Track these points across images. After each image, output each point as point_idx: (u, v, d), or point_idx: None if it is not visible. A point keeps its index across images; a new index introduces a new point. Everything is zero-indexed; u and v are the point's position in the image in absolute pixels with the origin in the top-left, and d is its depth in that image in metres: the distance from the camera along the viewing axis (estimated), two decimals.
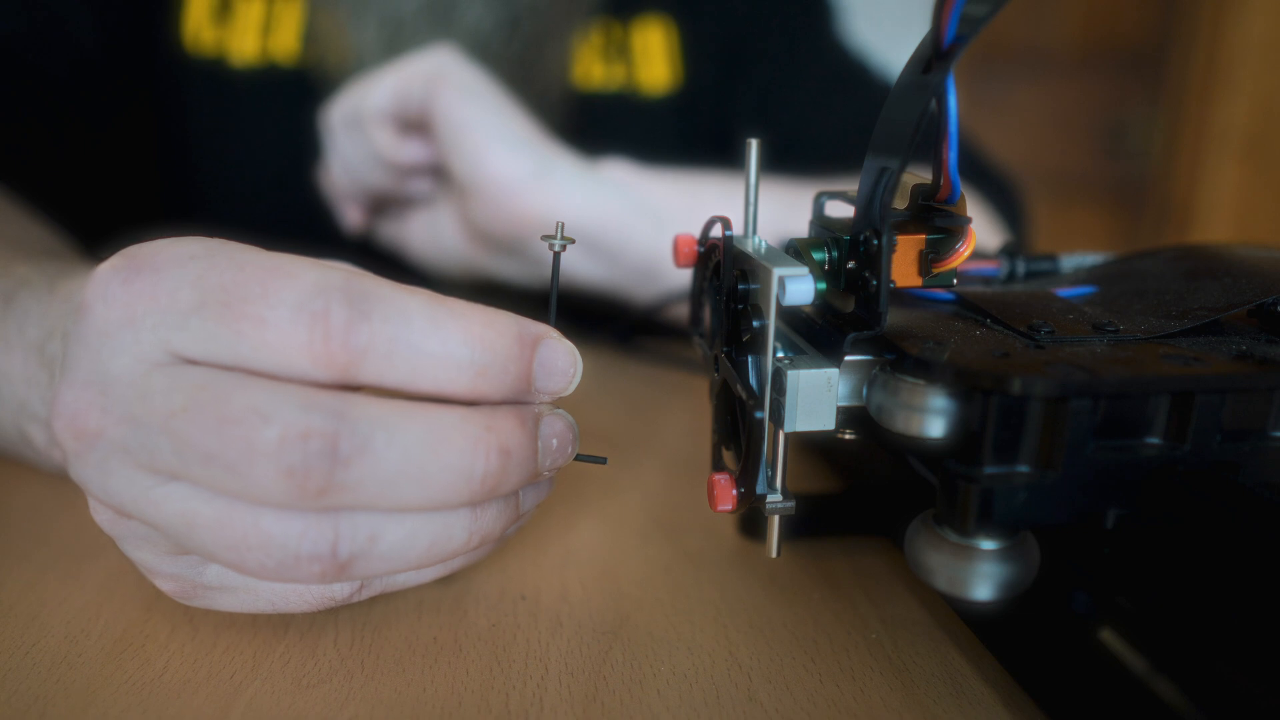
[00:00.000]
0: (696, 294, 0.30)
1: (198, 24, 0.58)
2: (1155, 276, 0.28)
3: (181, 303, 0.21)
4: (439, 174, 0.51)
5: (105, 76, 0.56)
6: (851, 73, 0.69)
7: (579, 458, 0.26)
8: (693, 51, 0.65)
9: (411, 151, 0.49)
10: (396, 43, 0.55)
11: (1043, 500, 0.21)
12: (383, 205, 0.53)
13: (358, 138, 0.49)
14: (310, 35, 0.57)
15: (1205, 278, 0.27)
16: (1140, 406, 0.21)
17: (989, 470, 0.21)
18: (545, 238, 0.26)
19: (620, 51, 0.64)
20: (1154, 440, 0.21)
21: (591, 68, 0.63)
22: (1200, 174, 1.55)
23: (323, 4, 0.57)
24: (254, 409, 0.20)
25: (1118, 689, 0.20)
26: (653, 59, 0.65)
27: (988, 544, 0.21)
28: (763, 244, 0.25)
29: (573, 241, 0.26)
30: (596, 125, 0.62)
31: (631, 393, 0.48)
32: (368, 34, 0.55)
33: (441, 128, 0.47)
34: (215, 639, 0.25)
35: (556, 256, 0.26)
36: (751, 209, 0.26)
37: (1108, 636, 0.20)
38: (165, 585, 0.25)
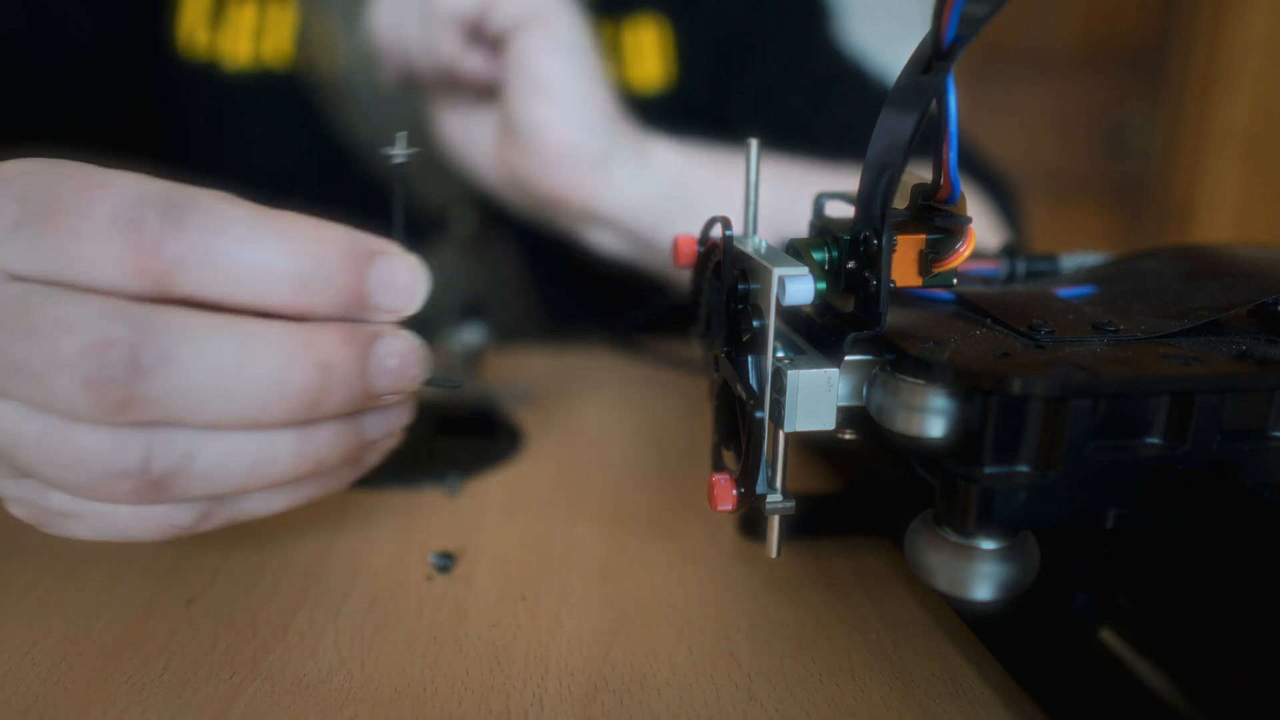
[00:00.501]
0: (696, 294, 0.30)
1: (191, 27, 0.58)
2: (1155, 276, 0.28)
3: (6, 218, 0.21)
4: (491, 91, 0.49)
5: (103, 77, 0.56)
6: (849, 74, 0.69)
7: (429, 382, 0.25)
8: (687, 51, 0.65)
9: (472, 64, 0.47)
10: None
11: (1043, 500, 0.21)
12: (418, 81, 0.51)
13: (419, 19, 0.46)
14: (302, 39, 0.58)
15: (1205, 278, 0.27)
16: (1140, 406, 0.21)
17: (989, 470, 0.21)
18: (384, 151, 0.25)
19: (611, 51, 0.64)
20: (1154, 440, 0.21)
21: None
22: (1200, 174, 1.55)
23: (314, 8, 0.57)
24: (58, 319, 0.20)
25: (1118, 689, 0.20)
26: (645, 58, 0.64)
27: (988, 544, 0.21)
28: (763, 244, 0.25)
29: (417, 151, 0.25)
30: None
31: (631, 393, 0.48)
32: (356, 34, 0.55)
33: (515, 70, 0.44)
34: (215, 639, 0.25)
35: (399, 168, 0.25)
36: (752, 209, 0.26)
37: (1108, 636, 0.20)
38: (18, 511, 0.24)
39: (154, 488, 0.22)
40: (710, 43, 0.66)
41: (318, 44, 0.57)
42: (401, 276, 0.24)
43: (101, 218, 0.21)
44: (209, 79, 0.58)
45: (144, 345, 0.20)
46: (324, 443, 0.24)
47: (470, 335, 0.45)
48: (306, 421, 0.23)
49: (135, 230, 0.20)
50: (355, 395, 0.23)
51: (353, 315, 0.23)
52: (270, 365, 0.21)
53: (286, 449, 0.23)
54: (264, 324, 0.22)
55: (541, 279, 0.65)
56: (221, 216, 0.21)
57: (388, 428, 0.26)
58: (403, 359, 0.24)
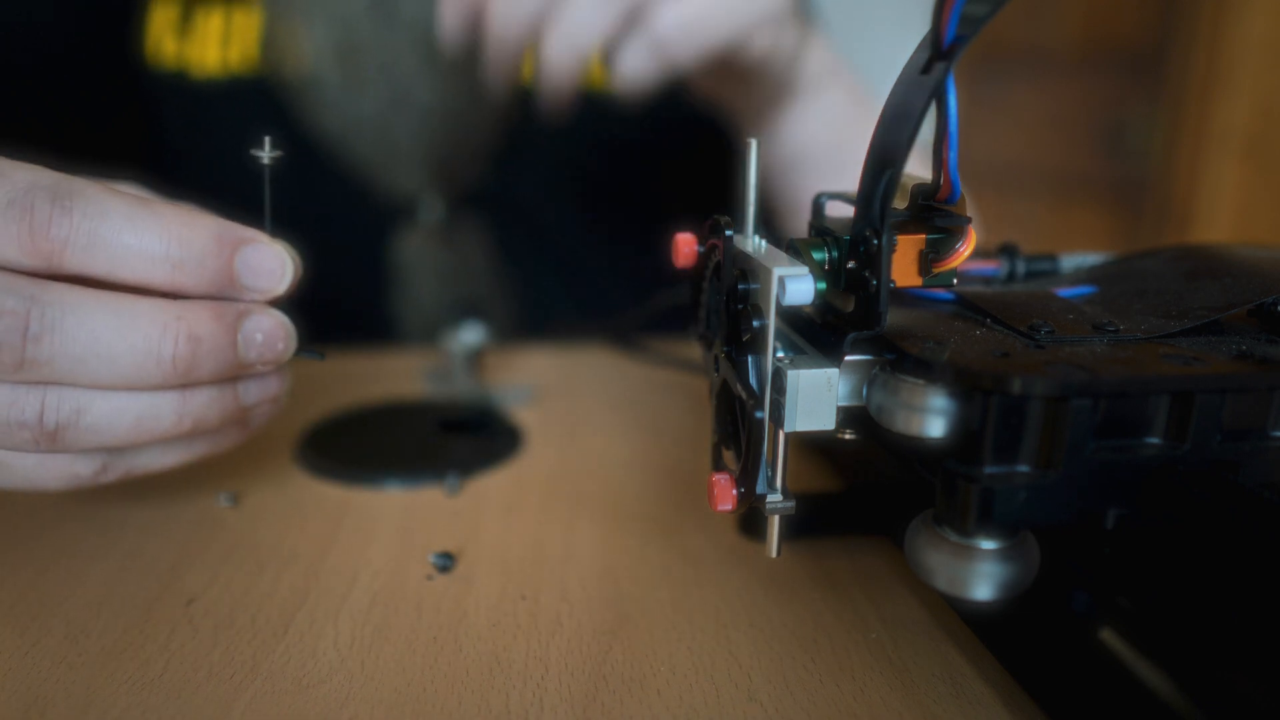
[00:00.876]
0: (696, 294, 0.30)
1: (159, 37, 0.58)
2: (1155, 276, 0.28)
3: None
4: None
5: (74, 89, 0.56)
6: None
7: (298, 353, 0.28)
8: None
9: None
10: (347, 43, 0.56)
11: (1043, 500, 0.21)
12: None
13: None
14: (267, 43, 0.58)
15: (1205, 278, 0.27)
16: (1140, 406, 0.21)
17: (989, 470, 0.21)
18: (253, 151, 0.28)
19: None
20: (1154, 440, 0.21)
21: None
22: (1200, 174, 1.55)
23: (277, 11, 0.57)
24: None
25: (1118, 689, 0.20)
26: None
27: (988, 544, 0.21)
28: (763, 244, 0.25)
29: (280, 154, 0.28)
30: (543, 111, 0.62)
31: (631, 393, 0.48)
32: (319, 34, 0.55)
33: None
34: (215, 639, 0.25)
35: (265, 170, 0.28)
36: (752, 209, 0.26)
37: (1108, 636, 0.20)
38: None
39: (50, 438, 0.25)
40: None
41: (283, 46, 0.57)
42: (268, 261, 0.27)
43: None
44: (179, 88, 0.58)
45: (33, 315, 0.24)
46: (201, 404, 0.27)
47: (470, 335, 0.45)
48: (184, 385, 0.26)
49: (27, 214, 0.24)
50: (225, 364, 0.27)
51: (225, 294, 0.27)
52: (144, 335, 0.25)
53: (168, 408, 0.26)
54: (141, 299, 0.25)
55: (512, 266, 0.64)
56: (104, 205, 0.25)
57: (263, 394, 0.29)
58: (268, 334, 0.27)
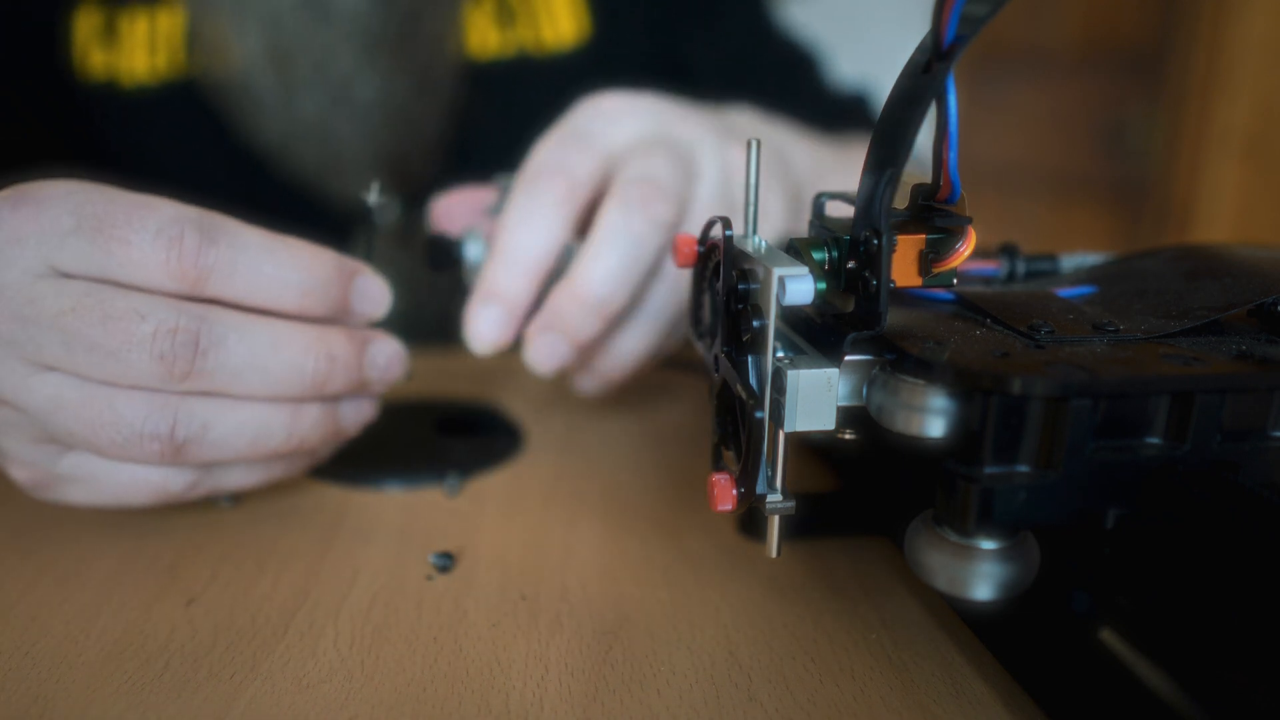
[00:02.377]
0: (696, 294, 0.30)
1: (84, 49, 0.56)
2: (1155, 276, 0.28)
3: (61, 226, 0.26)
4: None
5: (3, 96, 0.55)
6: (773, 33, 0.69)
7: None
8: (604, 4, 0.63)
9: None
10: (278, 40, 0.54)
11: (1043, 500, 0.21)
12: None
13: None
14: (194, 44, 0.56)
15: (1205, 278, 0.27)
16: (1140, 406, 0.21)
17: (989, 470, 0.21)
18: (362, 195, 0.33)
19: (518, 13, 0.62)
20: (1154, 440, 0.21)
21: (486, 35, 0.61)
22: (1200, 174, 1.54)
23: (203, 10, 0.55)
24: (134, 309, 0.26)
25: (1118, 689, 0.20)
26: (556, 15, 0.62)
27: (988, 544, 0.21)
28: (763, 244, 0.25)
29: (385, 200, 0.32)
30: (496, 94, 0.60)
31: (631, 393, 0.48)
32: (249, 35, 0.54)
33: None
34: (215, 639, 0.25)
35: (371, 211, 0.35)
36: (752, 209, 0.26)
37: (1108, 636, 0.20)
38: (21, 474, 0.29)
39: (176, 451, 0.27)
40: None
41: (211, 49, 0.55)
42: (375, 290, 0.31)
43: (149, 231, 0.26)
44: (111, 99, 0.57)
45: (203, 331, 0.27)
46: (310, 423, 0.30)
47: (473, 249, 0.44)
48: (311, 400, 0.30)
49: (176, 243, 0.26)
50: (351, 382, 0.30)
51: (337, 318, 0.30)
52: (294, 351, 0.28)
53: (281, 424, 0.29)
54: (287, 322, 0.29)
55: None
56: (244, 237, 0.28)
57: (358, 416, 0.32)
58: (389, 357, 0.31)
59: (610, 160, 0.36)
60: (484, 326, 0.35)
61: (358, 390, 0.31)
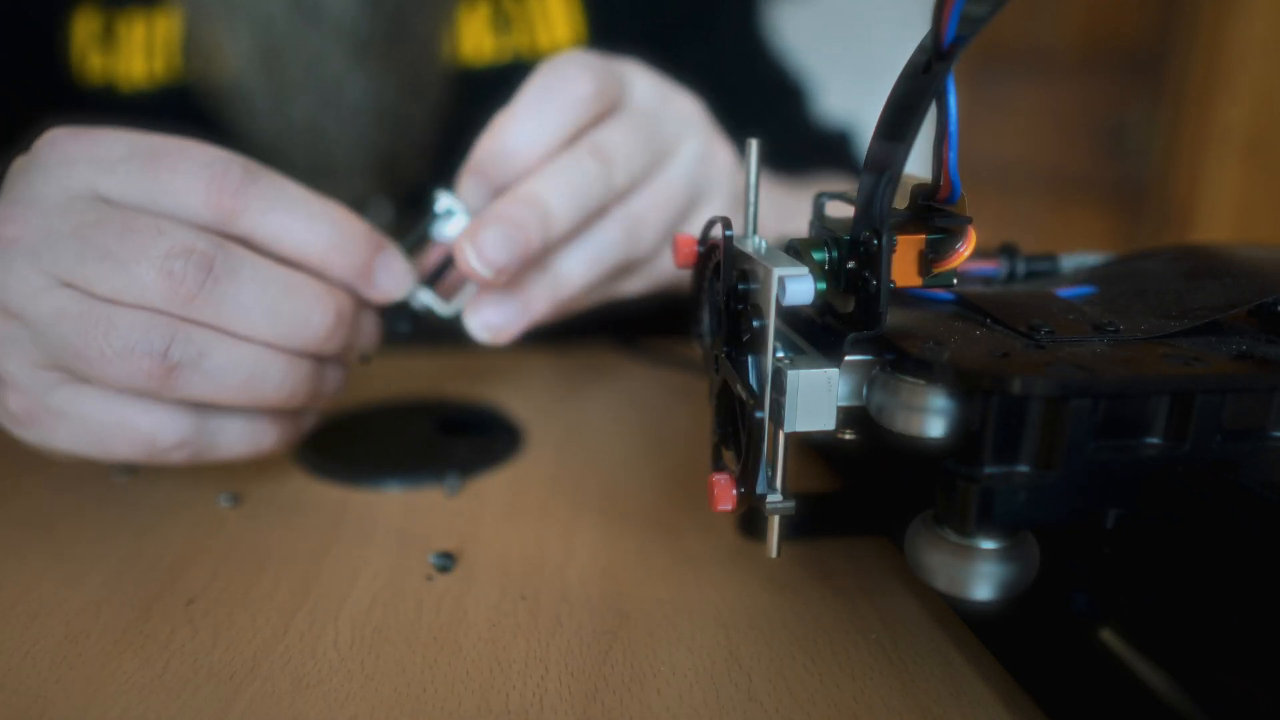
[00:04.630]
0: (696, 294, 0.30)
1: (82, 52, 0.56)
2: (1155, 276, 0.28)
3: (114, 153, 0.28)
4: None
5: (2, 100, 0.55)
6: (764, 58, 0.69)
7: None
8: (601, 9, 0.63)
9: None
10: (269, 43, 0.54)
11: (1043, 500, 0.21)
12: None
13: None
14: (190, 51, 0.56)
15: (1205, 278, 0.27)
16: (1140, 406, 0.21)
17: (989, 470, 0.21)
18: (432, 198, 0.34)
19: (514, 20, 0.62)
20: (1154, 440, 0.21)
21: (481, 41, 0.61)
22: (1200, 174, 1.54)
23: (197, 15, 0.55)
24: (155, 225, 0.27)
25: (1118, 689, 0.20)
26: (553, 23, 0.62)
27: (988, 544, 0.21)
28: (763, 244, 0.25)
29: (453, 211, 0.34)
30: (491, 100, 0.61)
31: (631, 393, 0.48)
32: (241, 38, 0.54)
33: None
34: (215, 639, 0.25)
35: (435, 214, 0.34)
36: (752, 209, 0.26)
37: (1108, 636, 0.20)
38: (15, 401, 0.29)
39: (165, 374, 0.27)
40: (630, 5, 0.64)
41: (206, 53, 0.55)
42: (401, 267, 0.32)
43: (197, 162, 0.28)
44: (108, 102, 0.57)
45: (218, 259, 0.27)
46: (301, 377, 0.30)
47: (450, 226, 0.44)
48: (310, 355, 0.30)
49: (220, 176, 0.28)
50: (344, 344, 0.31)
51: (356, 286, 0.31)
52: (305, 300, 0.29)
53: (277, 370, 0.29)
54: (303, 271, 0.29)
55: None
56: (283, 184, 0.29)
57: (335, 384, 0.33)
58: (370, 333, 0.33)
59: (608, 103, 0.36)
60: (491, 248, 0.31)
61: (340, 354, 0.32)
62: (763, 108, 0.68)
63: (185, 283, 0.26)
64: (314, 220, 0.29)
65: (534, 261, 0.34)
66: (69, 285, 0.27)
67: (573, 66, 0.35)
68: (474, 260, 0.31)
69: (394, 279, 0.32)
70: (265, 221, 0.28)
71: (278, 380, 0.29)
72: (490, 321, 0.34)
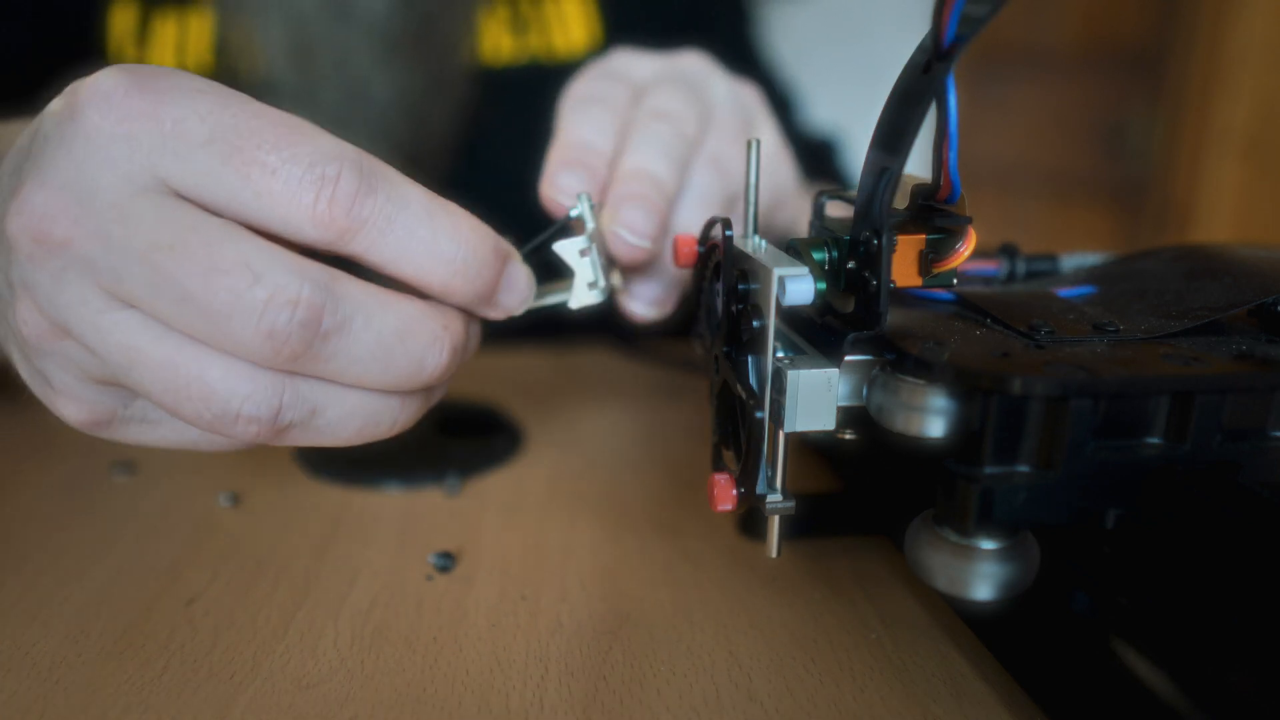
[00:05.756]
0: (697, 294, 0.30)
1: (119, 45, 0.57)
2: (1155, 276, 0.28)
3: (188, 134, 0.21)
4: None
5: (41, 80, 0.56)
6: (754, 65, 0.70)
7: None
8: (615, 9, 0.64)
9: None
10: (301, 41, 0.55)
11: (1043, 500, 0.21)
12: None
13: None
14: (222, 47, 0.57)
15: (1205, 278, 0.27)
16: (1140, 406, 0.21)
17: (989, 470, 0.21)
18: (571, 213, 0.30)
19: (530, 21, 0.63)
20: (1154, 440, 0.21)
21: (500, 41, 0.62)
22: (1200, 174, 1.54)
23: (230, 13, 0.56)
24: (246, 263, 0.21)
25: (1118, 689, 0.20)
26: (569, 24, 0.64)
27: (988, 544, 0.21)
28: (763, 244, 0.25)
29: (582, 225, 0.30)
30: (508, 99, 0.62)
31: (632, 393, 0.48)
32: (273, 37, 0.55)
33: None
34: (215, 639, 0.25)
35: (569, 218, 0.30)
36: (752, 209, 0.26)
37: (1108, 636, 0.20)
38: (75, 412, 0.24)
39: (274, 435, 0.23)
40: (641, 5, 0.65)
41: (236, 50, 0.56)
42: (523, 279, 0.27)
43: (302, 163, 0.21)
44: None
45: (328, 309, 0.22)
46: (413, 411, 0.26)
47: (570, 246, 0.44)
48: (419, 389, 0.25)
49: (331, 185, 0.22)
50: (450, 375, 0.25)
51: (478, 307, 0.26)
52: (420, 343, 0.24)
53: (390, 413, 0.25)
54: (415, 302, 0.24)
55: None
56: (406, 192, 0.23)
57: (439, 397, 0.28)
58: (475, 339, 0.27)
59: (637, 91, 0.37)
60: (638, 222, 0.31)
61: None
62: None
63: (290, 341, 0.21)
64: (438, 239, 0.23)
65: (665, 228, 0.34)
66: (136, 307, 0.21)
67: (614, 61, 0.37)
68: (629, 237, 0.31)
69: (517, 295, 0.26)
70: (382, 244, 0.23)
71: (389, 423, 0.25)
72: (652, 296, 0.34)
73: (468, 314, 0.26)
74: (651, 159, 0.33)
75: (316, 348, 0.22)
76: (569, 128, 0.35)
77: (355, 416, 0.24)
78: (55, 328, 0.22)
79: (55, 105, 0.22)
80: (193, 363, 0.21)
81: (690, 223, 0.36)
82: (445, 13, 0.59)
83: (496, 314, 0.26)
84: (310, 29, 0.55)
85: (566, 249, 0.30)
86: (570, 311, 0.31)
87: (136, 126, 0.21)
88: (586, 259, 0.30)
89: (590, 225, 0.30)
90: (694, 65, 0.41)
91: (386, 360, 0.23)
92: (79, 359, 0.23)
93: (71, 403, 0.24)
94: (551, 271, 0.30)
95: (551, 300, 0.30)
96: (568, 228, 0.30)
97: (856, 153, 0.71)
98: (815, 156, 0.70)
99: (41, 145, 0.22)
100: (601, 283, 0.30)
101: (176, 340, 0.21)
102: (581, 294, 0.30)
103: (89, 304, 0.21)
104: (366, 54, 0.56)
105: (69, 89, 0.22)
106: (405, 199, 0.23)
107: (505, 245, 0.26)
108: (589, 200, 0.30)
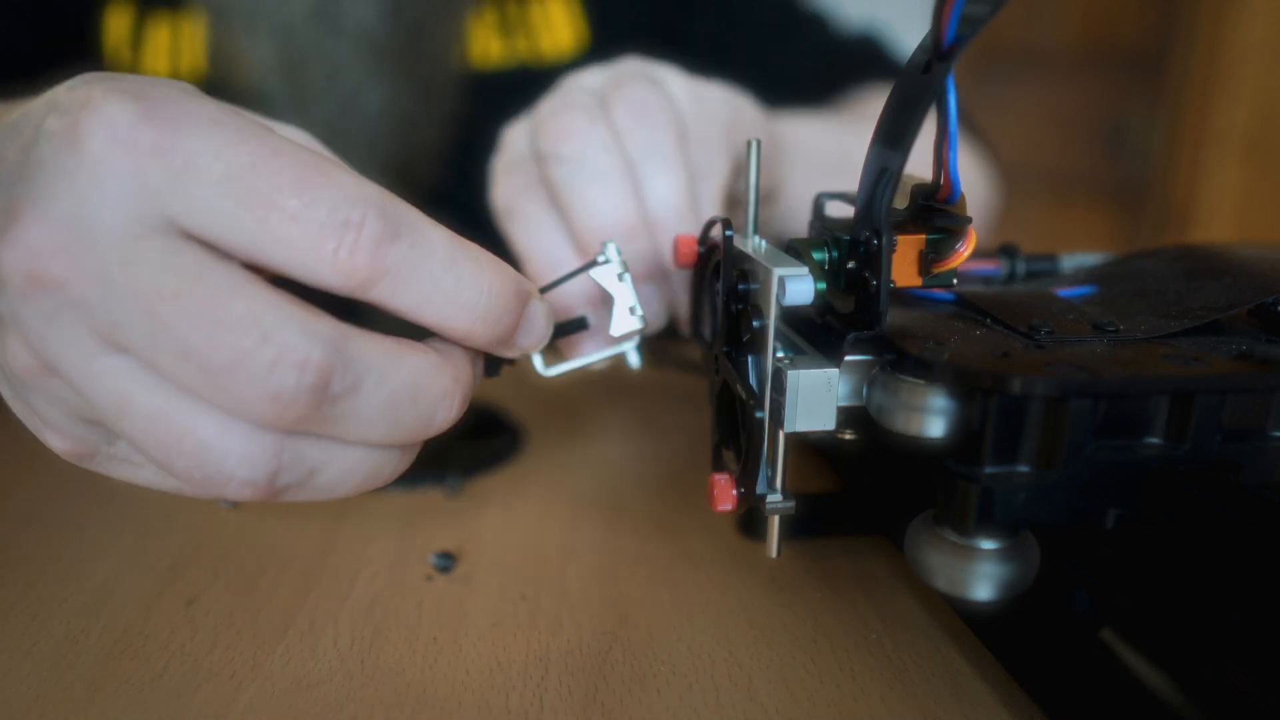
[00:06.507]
0: (697, 294, 0.30)
1: (115, 48, 0.57)
2: (1155, 276, 0.28)
3: (201, 172, 0.20)
4: None
5: (38, 82, 0.56)
6: (787, 18, 0.69)
7: None
8: (601, 12, 0.64)
9: None
10: (290, 50, 0.55)
11: (1043, 500, 0.21)
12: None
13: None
14: (214, 53, 0.57)
15: (1205, 278, 0.27)
16: (1140, 406, 0.21)
17: (989, 470, 0.21)
18: (598, 258, 0.28)
19: (518, 25, 0.63)
20: (1154, 440, 0.21)
21: (489, 45, 0.62)
22: (1200, 174, 1.54)
23: (222, 20, 0.56)
24: (254, 320, 0.19)
25: (1118, 689, 0.20)
26: (555, 27, 0.64)
27: (988, 544, 0.21)
28: (763, 244, 0.25)
29: (600, 259, 0.28)
30: (499, 102, 0.62)
31: (631, 393, 0.48)
32: (262, 45, 0.55)
33: None
34: (215, 639, 0.25)
35: (601, 263, 0.28)
36: (752, 209, 0.26)
37: (1108, 636, 0.20)
38: (60, 444, 0.23)
39: (269, 494, 0.21)
40: (627, 2, 0.65)
41: (229, 56, 0.56)
42: (541, 321, 0.25)
43: (324, 207, 0.20)
44: None
45: (336, 372, 0.20)
46: (410, 458, 0.24)
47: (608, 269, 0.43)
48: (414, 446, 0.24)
49: (355, 231, 0.20)
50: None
51: (496, 349, 0.24)
52: (431, 398, 0.22)
53: (391, 465, 0.24)
54: (425, 355, 0.22)
55: None
56: (430, 239, 0.22)
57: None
58: (478, 376, 0.25)
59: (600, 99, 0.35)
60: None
61: None
62: (780, 38, 0.68)
63: (295, 405, 0.20)
64: (461, 287, 0.22)
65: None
66: (129, 353, 0.20)
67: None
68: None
69: (534, 335, 0.25)
70: (404, 292, 0.21)
71: (391, 472, 0.24)
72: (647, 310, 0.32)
73: (476, 354, 0.25)
74: (665, 183, 0.32)
75: (324, 411, 0.20)
76: (521, 245, 0.34)
77: (356, 473, 0.23)
78: (43, 366, 0.21)
79: (53, 124, 0.20)
80: (186, 417, 0.20)
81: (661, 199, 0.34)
82: (435, 21, 0.59)
83: (513, 354, 0.25)
84: (300, 40, 0.55)
85: (604, 274, 0.29)
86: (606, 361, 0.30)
87: (144, 162, 0.20)
88: (625, 283, 0.28)
89: (621, 270, 0.28)
90: (645, 68, 0.39)
91: (396, 419, 0.22)
92: (66, 398, 0.22)
93: (56, 436, 0.23)
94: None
95: (592, 359, 0.30)
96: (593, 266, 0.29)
97: (899, 44, 0.70)
98: (860, 59, 0.69)
99: (37, 170, 0.20)
100: (640, 309, 0.29)
101: (169, 392, 0.20)
102: (622, 320, 0.29)
103: (80, 347, 0.20)
104: (357, 65, 0.56)
105: (67, 104, 0.20)
106: (429, 245, 0.22)
107: (526, 286, 0.24)
108: (616, 248, 0.28)
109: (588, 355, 0.31)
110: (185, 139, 0.20)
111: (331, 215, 0.20)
